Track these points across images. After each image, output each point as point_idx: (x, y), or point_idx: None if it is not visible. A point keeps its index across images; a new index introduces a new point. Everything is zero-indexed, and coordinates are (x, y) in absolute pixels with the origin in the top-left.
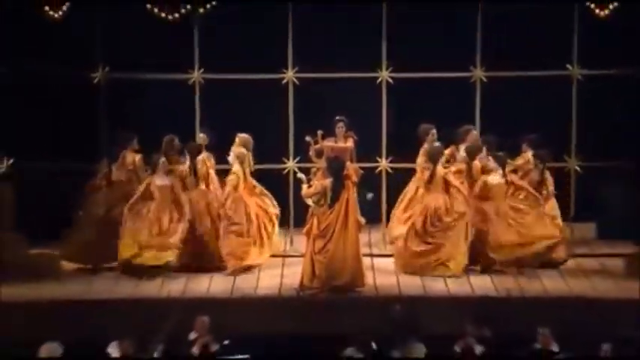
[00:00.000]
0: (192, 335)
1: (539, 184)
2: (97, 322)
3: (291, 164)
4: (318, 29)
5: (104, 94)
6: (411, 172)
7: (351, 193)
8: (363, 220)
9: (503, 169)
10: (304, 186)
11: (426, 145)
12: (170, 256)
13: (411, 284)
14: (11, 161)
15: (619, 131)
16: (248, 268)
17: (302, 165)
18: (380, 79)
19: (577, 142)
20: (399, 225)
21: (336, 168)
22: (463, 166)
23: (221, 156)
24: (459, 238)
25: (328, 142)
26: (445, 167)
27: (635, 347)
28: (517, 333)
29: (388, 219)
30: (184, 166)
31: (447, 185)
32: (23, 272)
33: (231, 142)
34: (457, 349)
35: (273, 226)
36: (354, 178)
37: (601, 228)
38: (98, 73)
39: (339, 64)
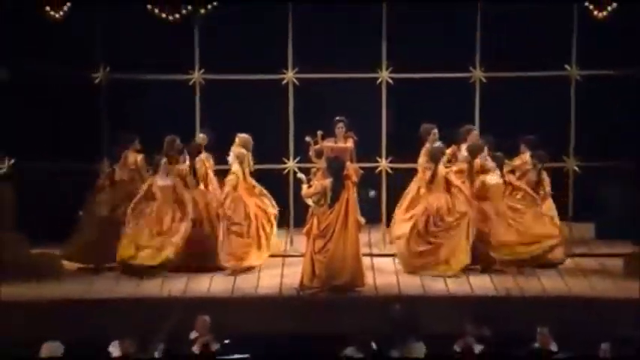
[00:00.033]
0: (193, 334)
1: (537, 185)
2: (97, 322)
3: (291, 164)
4: (318, 29)
5: (105, 95)
6: (411, 172)
7: (351, 193)
8: (362, 220)
9: (501, 169)
10: (304, 186)
11: (427, 145)
12: (167, 255)
13: (411, 284)
14: (12, 161)
15: (617, 131)
16: (247, 269)
17: (302, 165)
18: (380, 80)
19: (576, 143)
20: (400, 224)
21: (336, 168)
22: (464, 166)
23: (221, 156)
24: (461, 238)
25: (328, 143)
26: (446, 167)
27: (633, 347)
28: (516, 332)
29: (388, 219)
30: (184, 166)
31: (448, 185)
32: (24, 272)
33: (232, 143)
34: (457, 348)
35: (272, 226)
36: (354, 178)
37: (600, 228)
38: (99, 74)
39: (339, 65)
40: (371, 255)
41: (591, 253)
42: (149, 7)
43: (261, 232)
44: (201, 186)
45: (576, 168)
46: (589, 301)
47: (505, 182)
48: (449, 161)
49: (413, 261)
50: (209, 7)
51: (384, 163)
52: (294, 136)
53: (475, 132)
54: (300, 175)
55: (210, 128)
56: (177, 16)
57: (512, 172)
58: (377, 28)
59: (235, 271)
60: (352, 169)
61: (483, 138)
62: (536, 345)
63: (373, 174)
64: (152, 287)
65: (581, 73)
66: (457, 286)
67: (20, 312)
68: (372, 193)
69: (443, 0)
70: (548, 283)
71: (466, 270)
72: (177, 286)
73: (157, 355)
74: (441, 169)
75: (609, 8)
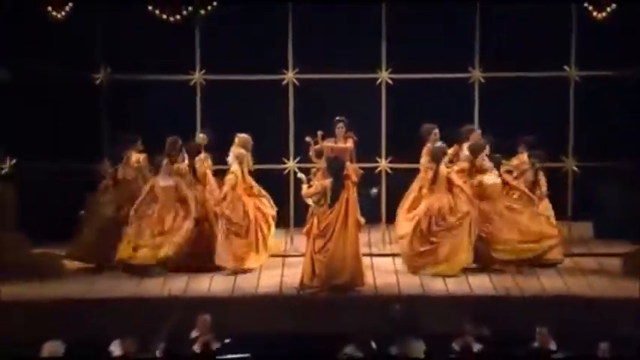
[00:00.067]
0: (194, 333)
1: (533, 185)
2: (98, 321)
3: (291, 164)
4: (318, 29)
5: (106, 95)
6: (410, 172)
7: (350, 193)
8: (362, 220)
9: (498, 169)
10: (304, 186)
11: (428, 145)
12: (166, 253)
13: (411, 283)
14: (13, 161)
15: (616, 132)
16: (246, 270)
17: (302, 165)
18: (379, 80)
19: (574, 143)
20: (403, 224)
21: (335, 168)
22: (466, 165)
23: (220, 156)
24: (463, 237)
25: (328, 143)
26: (448, 167)
27: (632, 346)
28: (515, 332)
29: (388, 219)
30: (183, 165)
31: (450, 185)
32: (25, 272)
33: (232, 143)
34: (455, 347)
35: (269, 227)
36: (354, 178)
37: (598, 228)
38: (100, 74)
39: (339, 65)
40: (371, 255)
41: (590, 252)
42: (150, 7)
43: (259, 234)
44: (199, 185)
45: (575, 168)
46: (588, 301)
47: (503, 182)
48: (451, 161)
49: (415, 260)
50: (209, 8)
51: (383, 163)
52: (294, 136)
53: (477, 131)
54: (300, 175)
55: (211, 128)
56: (177, 17)
57: (510, 172)
58: (377, 28)
59: (235, 271)
60: (352, 169)
61: (484, 138)
62: (536, 344)
63: (373, 174)
64: (153, 287)
65: (579, 74)
66: (456, 285)
67: (22, 312)
68: (374, 190)
69: (442, 0)
70: (547, 283)
71: (465, 270)
72: (177, 285)
73: (157, 354)
74: (443, 168)
75: (608, 9)
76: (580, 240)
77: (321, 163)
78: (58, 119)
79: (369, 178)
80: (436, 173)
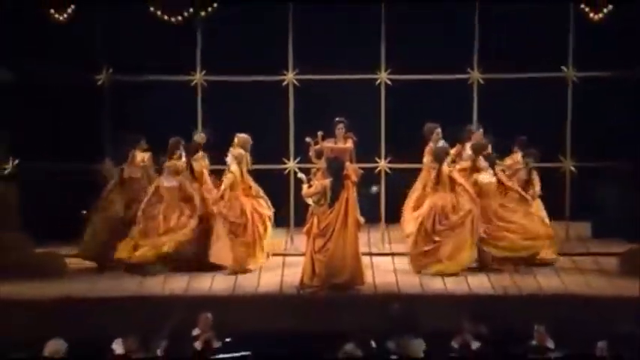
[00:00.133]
0: (196, 331)
1: (526, 183)
2: (101, 320)
3: (291, 164)
4: (318, 30)
5: (108, 96)
6: (410, 172)
7: (350, 193)
8: (362, 220)
9: (493, 168)
10: (304, 186)
11: (431, 144)
12: (165, 251)
13: (410, 282)
14: (16, 162)
15: (613, 132)
16: (245, 271)
17: (302, 165)
18: (378, 81)
19: (572, 143)
20: (410, 223)
21: (335, 168)
22: (468, 164)
23: (220, 156)
24: (466, 236)
25: (328, 143)
26: (450, 166)
27: (630, 344)
28: (513, 330)
29: (387, 218)
30: (180, 162)
31: (452, 184)
32: (28, 271)
33: (232, 143)
34: (454, 345)
35: (266, 229)
36: (354, 178)
37: (596, 227)
38: (102, 75)
39: (338, 65)
40: (370, 254)
41: (588, 252)
42: (151, 9)
43: (256, 235)
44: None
45: (573, 168)
46: (586, 300)
47: (498, 181)
48: (453, 161)
49: (419, 260)
50: (210, 9)
51: (383, 164)
52: (294, 136)
53: (480, 131)
54: (301, 175)
55: (212, 129)
56: (179, 18)
57: (502, 171)
58: (376, 28)
59: (234, 271)
60: (352, 169)
61: (486, 137)
62: (534, 342)
63: (372, 174)
64: (154, 286)
65: (577, 75)
66: (455, 284)
67: (24, 311)
68: (374, 188)
69: (442, 0)
70: (545, 282)
71: (464, 269)
72: (179, 284)
73: (159, 352)
74: (445, 168)
75: (605, 10)
76: (578, 239)
77: (321, 164)
78: (59, 120)
79: (368, 178)
80: (439, 173)
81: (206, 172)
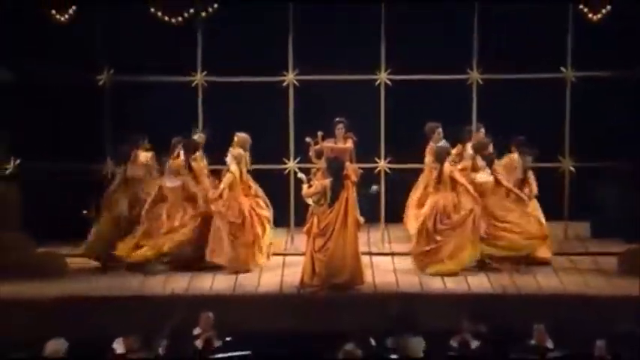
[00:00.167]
0: (197, 330)
1: (522, 183)
2: (102, 319)
3: (291, 164)
4: (318, 30)
5: (109, 97)
6: (409, 171)
7: (350, 193)
8: (362, 219)
9: (490, 167)
10: (304, 186)
11: (432, 144)
12: (165, 249)
13: (409, 282)
14: (17, 162)
15: (612, 132)
16: (246, 271)
17: (302, 165)
18: (378, 81)
19: (571, 143)
20: (414, 222)
21: (335, 168)
22: (469, 164)
23: (220, 157)
24: (468, 234)
25: (328, 143)
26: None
27: (628, 343)
28: (512, 329)
29: (387, 218)
30: (178, 160)
31: (454, 183)
32: (29, 271)
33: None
34: (454, 344)
35: (264, 230)
36: (354, 178)
37: (595, 227)
38: (103, 76)
39: (338, 65)
40: (370, 253)
41: (587, 251)
42: (152, 10)
43: (255, 236)
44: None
45: (572, 168)
46: (584, 299)
47: (495, 180)
48: (455, 161)
49: (422, 259)
50: (210, 10)
51: (382, 164)
52: (294, 136)
53: (481, 130)
54: (301, 175)
55: (212, 129)
56: (179, 19)
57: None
58: (376, 29)
59: (235, 271)
60: (351, 169)
61: (487, 137)
62: (533, 342)
63: (372, 174)
64: (155, 285)
65: (576, 75)
66: (455, 283)
67: (25, 310)
68: (374, 187)
69: (442, 0)
70: (544, 281)
71: (463, 268)
72: (180, 284)
73: (160, 351)
74: (447, 167)
75: (603, 11)
76: (577, 239)
77: (321, 164)
78: (60, 120)
79: (368, 178)
80: (440, 172)
81: (204, 172)
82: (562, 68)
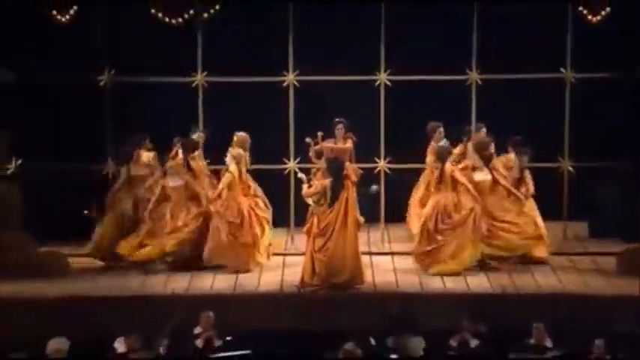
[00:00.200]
0: (197, 330)
1: (519, 182)
2: (103, 319)
3: (291, 164)
4: (318, 30)
5: (110, 97)
6: (408, 171)
7: (350, 193)
8: (362, 219)
9: (488, 166)
10: (304, 186)
11: (433, 143)
12: (168, 249)
13: (409, 281)
14: (19, 162)
15: (611, 133)
16: (246, 270)
17: (302, 165)
18: (378, 82)
19: (571, 144)
20: (416, 222)
21: (335, 168)
22: (470, 163)
23: (220, 157)
24: (468, 234)
25: (328, 143)
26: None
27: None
28: (511, 328)
29: (387, 218)
30: (178, 159)
31: (455, 183)
32: (31, 270)
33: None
34: (453, 343)
35: (263, 230)
36: (353, 178)
37: (593, 227)
38: (104, 76)
39: (338, 65)
40: (370, 253)
41: (585, 251)
42: (152, 11)
43: (254, 236)
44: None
45: (571, 168)
46: (583, 298)
47: (492, 180)
48: (457, 161)
49: (423, 259)
50: (211, 11)
51: (382, 164)
52: (294, 137)
53: (483, 130)
54: (301, 175)
55: (213, 129)
56: (179, 20)
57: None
58: (376, 29)
59: (235, 270)
60: (351, 169)
61: (489, 136)
62: (532, 341)
63: (372, 174)
64: (156, 284)
65: (575, 76)
66: (454, 283)
67: (27, 310)
68: (374, 187)
69: (441, 1)
70: (543, 281)
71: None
72: (180, 283)
73: (161, 350)
74: (448, 167)
75: (603, 13)
76: (576, 239)
77: (321, 164)
78: (61, 120)
79: (368, 178)
80: (442, 172)
81: (204, 172)
82: (561, 69)
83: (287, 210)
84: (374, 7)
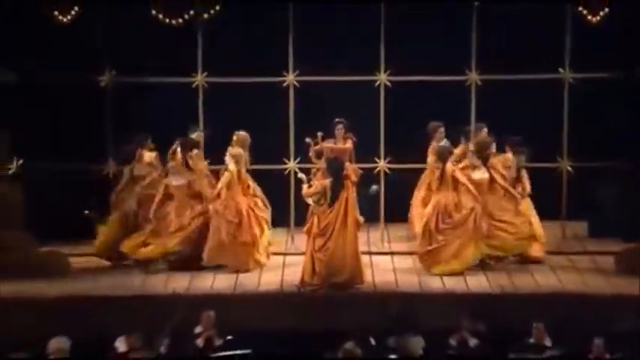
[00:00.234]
0: (198, 329)
1: (516, 182)
2: (104, 318)
3: (291, 165)
4: (318, 30)
5: (110, 97)
6: (408, 172)
7: (350, 193)
8: (361, 219)
9: (486, 165)
10: (305, 186)
11: (434, 143)
12: (171, 248)
13: (408, 281)
14: (20, 162)
15: (610, 133)
16: (246, 270)
17: (302, 165)
18: (378, 82)
19: (570, 144)
20: (419, 222)
21: (335, 168)
22: (470, 162)
23: (220, 157)
24: (470, 234)
25: (328, 144)
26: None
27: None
28: (511, 328)
29: (386, 218)
30: (177, 158)
31: (455, 182)
32: (32, 270)
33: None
34: (452, 342)
35: (262, 230)
36: (353, 178)
37: (593, 227)
38: (105, 77)
39: (338, 66)
40: (370, 253)
41: (584, 250)
42: (153, 12)
43: (253, 235)
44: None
45: (569, 168)
46: (582, 298)
47: (491, 178)
48: (458, 161)
49: (425, 259)
50: (212, 12)
51: (382, 164)
52: (294, 137)
53: (484, 130)
54: (301, 175)
55: (213, 129)
56: (180, 21)
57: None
58: (376, 29)
59: (235, 270)
60: (351, 169)
61: (490, 136)
62: (531, 340)
63: (372, 174)
64: (157, 284)
65: (574, 76)
66: (454, 283)
67: (28, 310)
68: (374, 187)
69: (441, 1)
70: (543, 280)
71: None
72: (181, 283)
73: (162, 350)
74: (449, 167)
75: (602, 13)
76: (575, 239)
77: (321, 164)
78: (62, 120)
79: (367, 178)
80: (442, 172)
81: (203, 171)
82: (560, 69)
83: (287, 210)
84: (374, 7)
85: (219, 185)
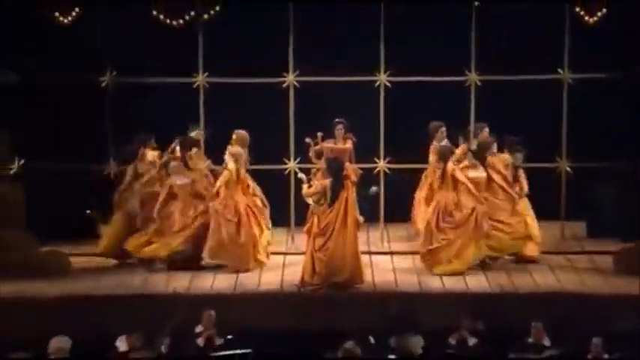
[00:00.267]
0: (199, 328)
1: (514, 182)
2: (105, 318)
3: (292, 165)
4: (318, 30)
5: (110, 97)
6: (408, 172)
7: (350, 193)
8: (361, 219)
9: (483, 164)
10: (305, 186)
11: (435, 143)
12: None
13: (408, 281)
14: (22, 162)
15: (609, 133)
16: (246, 270)
17: (302, 165)
18: (378, 83)
19: (569, 144)
20: (421, 220)
21: (335, 168)
22: (470, 162)
23: (220, 157)
24: (470, 233)
25: (328, 144)
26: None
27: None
28: (510, 327)
29: (386, 218)
30: (176, 157)
31: (455, 182)
32: (33, 270)
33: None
34: (452, 341)
35: (262, 230)
36: (353, 178)
37: (591, 226)
38: (106, 77)
39: (339, 66)
40: (369, 253)
41: (583, 250)
42: (154, 12)
43: (252, 235)
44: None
45: (568, 169)
46: (581, 297)
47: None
48: (459, 161)
49: (428, 259)
50: (212, 12)
51: (382, 164)
52: (294, 137)
53: (486, 130)
54: (301, 175)
55: (213, 129)
56: (180, 21)
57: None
58: (376, 29)
59: (235, 270)
60: (351, 169)
61: (491, 136)
62: (530, 340)
63: (372, 174)
64: (158, 284)
65: (573, 77)
66: (453, 282)
67: (29, 309)
68: (373, 188)
69: (441, 1)
70: (541, 280)
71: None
72: (181, 283)
73: (162, 349)
74: (449, 166)
75: (599, 14)
76: (574, 238)
77: (321, 164)
78: (63, 120)
79: (367, 179)
80: (444, 172)
81: (203, 171)
82: (559, 70)
83: (287, 210)
84: (374, 7)
85: (218, 183)
